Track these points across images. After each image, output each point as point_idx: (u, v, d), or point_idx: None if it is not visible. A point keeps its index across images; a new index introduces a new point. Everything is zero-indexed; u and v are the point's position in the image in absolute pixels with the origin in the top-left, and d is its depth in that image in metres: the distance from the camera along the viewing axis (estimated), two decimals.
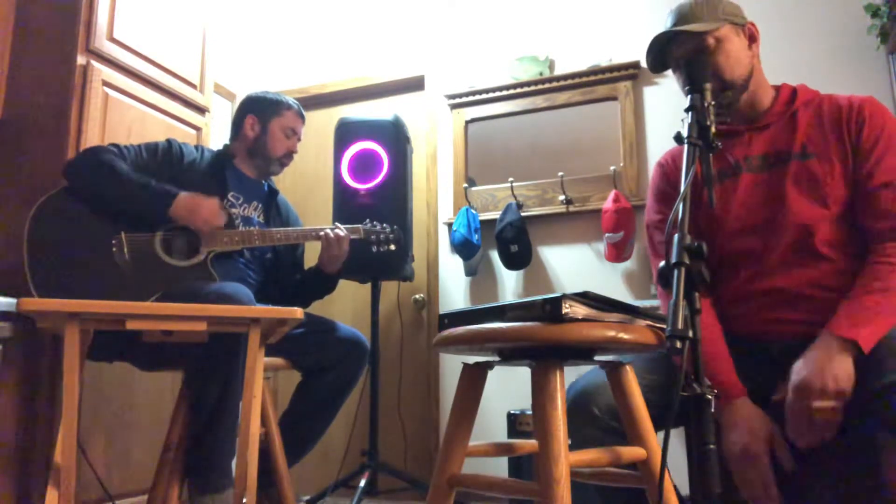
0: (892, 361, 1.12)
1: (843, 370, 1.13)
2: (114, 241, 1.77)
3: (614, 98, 2.95)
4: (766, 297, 1.33)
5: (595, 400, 1.29)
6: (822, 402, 1.12)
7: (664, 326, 1.01)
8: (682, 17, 1.38)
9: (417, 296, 3.21)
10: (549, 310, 0.98)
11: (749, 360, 1.30)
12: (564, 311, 0.97)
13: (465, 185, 3.12)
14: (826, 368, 1.13)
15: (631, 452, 1.10)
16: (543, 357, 1.06)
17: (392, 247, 2.11)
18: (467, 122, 3.21)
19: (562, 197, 2.93)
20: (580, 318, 0.99)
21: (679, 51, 1.38)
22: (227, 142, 2.15)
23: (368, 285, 2.81)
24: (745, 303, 1.36)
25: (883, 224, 1.27)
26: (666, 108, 2.88)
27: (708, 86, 1.12)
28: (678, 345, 0.85)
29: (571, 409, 1.29)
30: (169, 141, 1.98)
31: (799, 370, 1.17)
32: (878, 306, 1.19)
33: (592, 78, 2.98)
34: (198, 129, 2.56)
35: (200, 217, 1.80)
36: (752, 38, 1.42)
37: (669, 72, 1.45)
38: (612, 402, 1.21)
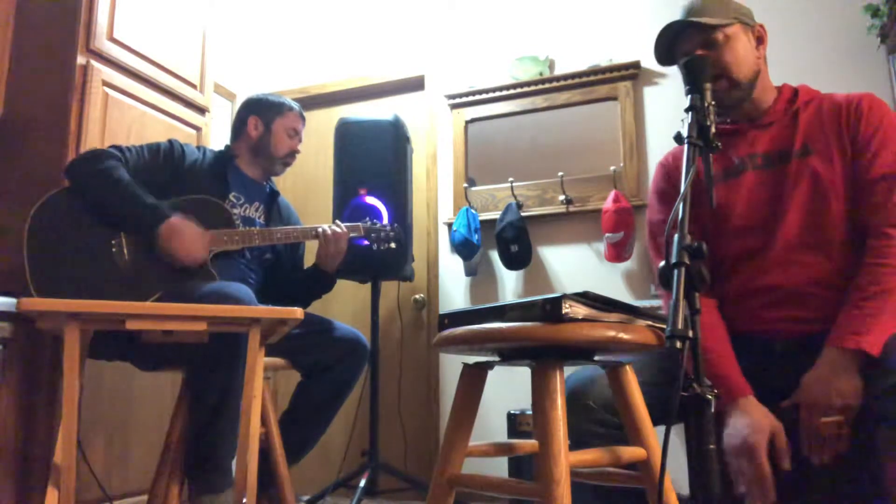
0: (892, 363, 1.12)
1: (848, 385, 1.15)
2: (114, 241, 1.76)
3: (614, 98, 2.95)
4: (769, 294, 1.33)
5: (590, 394, 1.30)
6: (828, 419, 1.15)
7: (664, 326, 1.01)
8: (692, 10, 1.37)
9: (417, 296, 3.21)
10: (549, 310, 0.97)
11: (753, 357, 1.30)
12: (564, 311, 0.97)
13: (465, 185, 3.12)
14: (831, 384, 1.15)
15: (631, 452, 1.09)
16: (543, 357, 1.05)
17: (393, 245, 2.11)
18: (467, 122, 3.21)
19: (562, 197, 2.93)
20: (580, 318, 0.99)
21: (687, 45, 1.37)
22: (229, 143, 2.16)
23: (368, 285, 2.81)
24: (748, 300, 1.36)
25: (876, 219, 1.27)
26: (666, 108, 2.87)
27: (708, 86, 1.11)
28: (678, 345, 0.85)
29: (567, 403, 1.29)
30: (171, 141, 1.98)
31: (806, 387, 1.19)
32: (878, 310, 1.19)
33: (592, 78, 2.97)
34: (198, 129, 2.56)
35: (182, 245, 1.74)
36: (760, 40, 1.42)
37: (669, 72, 1.45)
38: (607, 395, 1.21)
